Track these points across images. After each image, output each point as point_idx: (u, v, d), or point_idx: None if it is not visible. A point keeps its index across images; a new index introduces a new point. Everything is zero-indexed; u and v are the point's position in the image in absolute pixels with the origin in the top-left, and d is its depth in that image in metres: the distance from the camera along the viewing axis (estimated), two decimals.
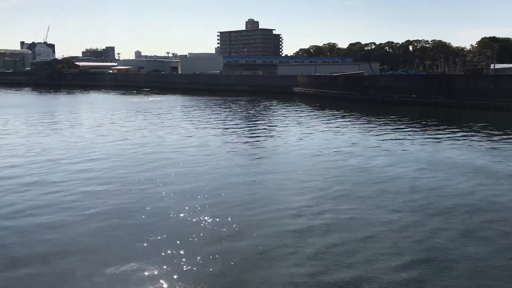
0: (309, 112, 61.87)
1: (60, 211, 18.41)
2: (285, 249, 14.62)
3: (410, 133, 40.85)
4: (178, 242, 15.15)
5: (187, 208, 18.62)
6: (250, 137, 39.06)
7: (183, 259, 13.88)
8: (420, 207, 18.78)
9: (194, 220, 17.30)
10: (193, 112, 62.26)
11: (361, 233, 15.89)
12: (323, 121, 50.05)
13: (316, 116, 55.62)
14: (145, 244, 14.95)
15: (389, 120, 50.52)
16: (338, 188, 21.62)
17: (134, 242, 15.14)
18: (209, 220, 17.16)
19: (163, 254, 14.24)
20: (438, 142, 35.96)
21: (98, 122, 49.37)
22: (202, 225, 16.74)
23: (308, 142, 35.37)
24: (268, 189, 21.70)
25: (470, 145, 34.37)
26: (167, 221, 17.14)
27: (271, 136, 39.27)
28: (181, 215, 17.82)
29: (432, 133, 41.18)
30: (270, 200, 19.71)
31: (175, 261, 13.77)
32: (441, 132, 41.73)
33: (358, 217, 17.59)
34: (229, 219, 17.27)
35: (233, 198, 19.87)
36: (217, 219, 17.26)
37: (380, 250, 14.47)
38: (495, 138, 38.24)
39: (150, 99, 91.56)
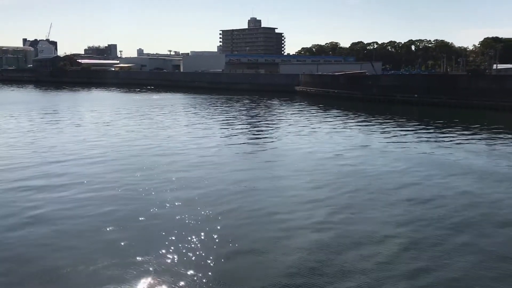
0: (312, 111, 61.81)
1: (61, 212, 18.50)
2: (290, 254, 14.64)
3: (413, 134, 40.77)
4: (181, 245, 15.21)
5: (190, 211, 18.62)
6: (253, 137, 39.04)
7: (186, 263, 13.90)
8: (430, 212, 18.47)
9: (197, 223, 17.27)
10: (195, 110, 62.27)
11: (372, 240, 15.55)
12: (326, 121, 50.01)
13: (318, 116, 55.59)
14: (147, 248, 14.95)
15: (392, 120, 50.48)
16: (344, 192, 21.28)
17: (136, 245, 15.15)
18: (213, 225, 17.00)
19: (165, 258, 14.20)
20: (442, 143, 35.87)
21: (100, 121, 49.36)
22: (206, 229, 16.58)
23: (312, 143, 35.13)
24: (274, 193, 21.27)
25: (473, 147, 34.32)
26: (170, 225, 16.94)
27: (275, 137, 39.14)
28: (185, 218, 17.79)
29: (435, 134, 41.14)
30: (276, 204, 19.44)
31: (178, 265, 13.78)
32: (444, 132, 41.70)
33: (367, 222, 17.26)
34: (233, 224, 17.13)
35: (238, 203, 19.50)
36: (221, 224, 17.19)
37: (391, 259, 14.06)
38: (502, 139, 38.23)
39: (152, 97, 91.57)
